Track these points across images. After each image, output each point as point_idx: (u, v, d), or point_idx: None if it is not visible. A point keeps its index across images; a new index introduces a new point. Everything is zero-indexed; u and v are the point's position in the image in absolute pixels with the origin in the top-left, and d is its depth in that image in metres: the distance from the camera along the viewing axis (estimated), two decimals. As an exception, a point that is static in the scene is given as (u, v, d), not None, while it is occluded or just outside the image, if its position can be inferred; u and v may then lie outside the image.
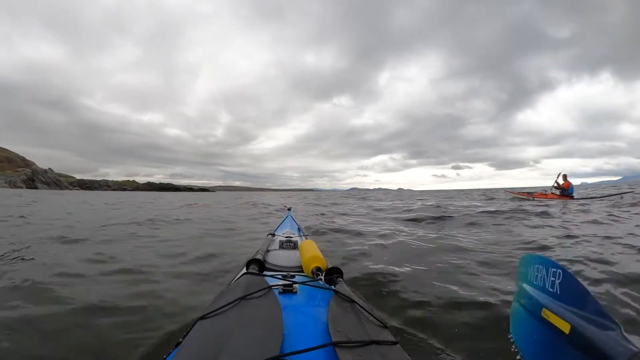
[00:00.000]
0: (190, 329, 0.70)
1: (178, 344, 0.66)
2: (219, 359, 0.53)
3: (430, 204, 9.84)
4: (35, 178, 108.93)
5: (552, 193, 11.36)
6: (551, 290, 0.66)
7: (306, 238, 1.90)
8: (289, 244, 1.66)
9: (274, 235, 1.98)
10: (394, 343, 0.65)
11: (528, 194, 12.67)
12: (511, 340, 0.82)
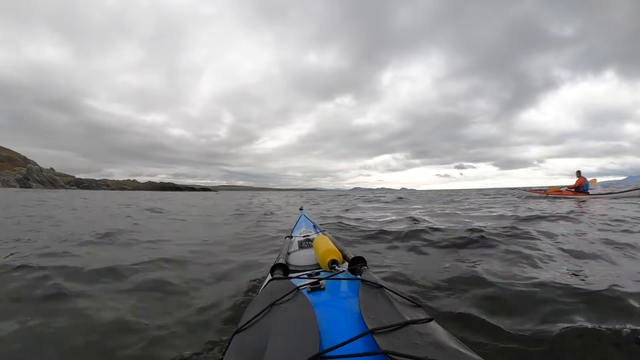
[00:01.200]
0: (228, 344, 0.71)
1: None
2: None
3: (507, 213, 6.10)
4: (30, 177, 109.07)
5: (566, 189, 11.40)
6: None
7: (322, 234, 1.91)
8: (308, 243, 1.68)
9: (291, 237, 2.00)
10: (430, 320, 0.67)
11: (542, 192, 12.70)
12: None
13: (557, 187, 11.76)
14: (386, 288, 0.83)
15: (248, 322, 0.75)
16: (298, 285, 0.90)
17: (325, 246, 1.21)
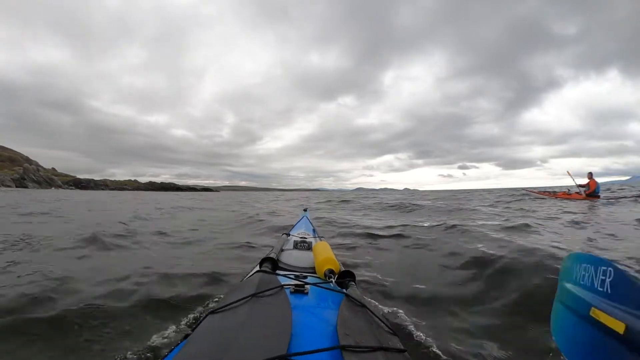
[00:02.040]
0: (199, 322, 0.73)
1: (187, 336, 0.69)
2: (226, 353, 0.55)
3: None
4: (26, 177, 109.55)
5: (576, 193, 10.91)
6: (601, 289, 0.63)
7: (320, 240, 1.92)
8: (303, 245, 1.68)
9: (288, 235, 2.01)
10: (402, 351, 0.66)
11: (550, 194, 12.21)
12: (553, 341, 0.77)
13: (567, 191, 11.28)
14: (368, 308, 0.83)
15: (225, 306, 0.77)
16: (283, 283, 0.93)
17: (326, 254, 1.23)
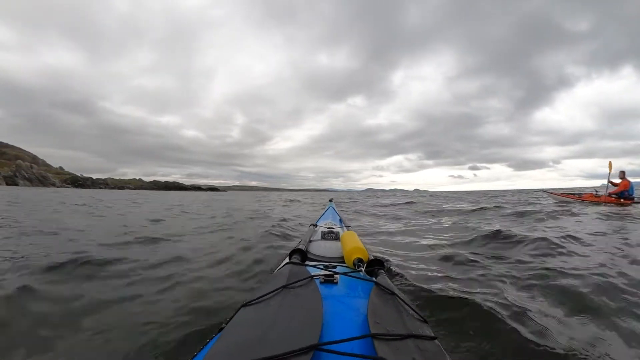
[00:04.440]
0: (233, 315, 0.77)
1: (221, 328, 0.72)
2: (260, 344, 0.58)
3: None
4: (18, 174, 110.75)
5: (605, 195, 10.07)
6: None
7: (347, 229, 2.00)
8: (331, 235, 1.76)
9: (316, 226, 2.07)
10: (433, 338, 0.67)
11: (575, 196, 11.37)
12: None
13: (595, 193, 10.42)
14: (398, 296, 0.84)
15: (257, 298, 0.81)
16: (312, 274, 0.97)
17: (354, 243, 1.25)
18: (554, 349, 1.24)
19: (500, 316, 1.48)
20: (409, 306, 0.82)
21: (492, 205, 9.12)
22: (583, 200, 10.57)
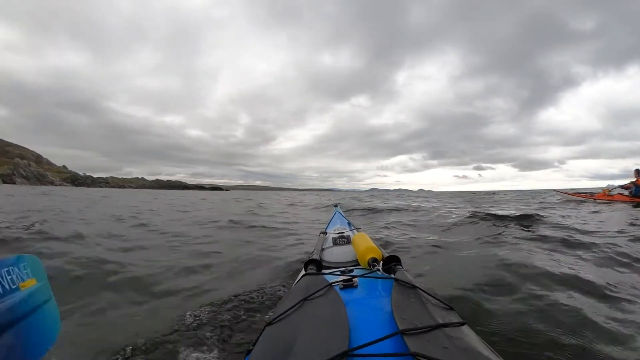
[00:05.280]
0: (259, 336, 0.77)
1: (249, 351, 0.73)
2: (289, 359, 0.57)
3: None
4: (15, 172, 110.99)
5: (619, 194, 10.13)
6: None
7: (357, 231, 1.99)
8: (342, 240, 1.71)
9: (325, 233, 2.04)
10: (462, 324, 0.68)
11: (587, 195, 11.42)
12: None
13: (608, 192, 10.47)
14: (420, 289, 0.84)
15: (279, 316, 0.81)
16: (331, 281, 0.96)
17: (366, 244, 1.26)
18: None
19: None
20: (432, 296, 0.82)
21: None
22: (596, 198, 10.63)
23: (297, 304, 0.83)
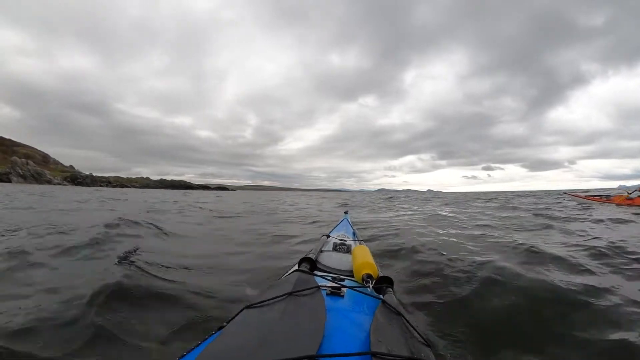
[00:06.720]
0: (235, 316, 0.80)
1: (221, 327, 0.75)
2: (258, 348, 0.60)
3: None
4: (12, 170, 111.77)
5: (639, 197, 9.27)
6: None
7: (360, 243, 1.99)
8: (343, 247, 1.77)
9: (328, 236, 2.13)
10: None
11: (602, 198, 10.54)
12: None
13: (627, 195, 9.60)
14: (403, 317, 0.86)
15: (261, 302, 0.84)
16: (320, 284, 1.00)
17: (365, 258, 1.27)
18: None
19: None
20: (414, 328, 0.82)
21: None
22: (618, 203, 9.72)
23: (281, 296, 0.86)
